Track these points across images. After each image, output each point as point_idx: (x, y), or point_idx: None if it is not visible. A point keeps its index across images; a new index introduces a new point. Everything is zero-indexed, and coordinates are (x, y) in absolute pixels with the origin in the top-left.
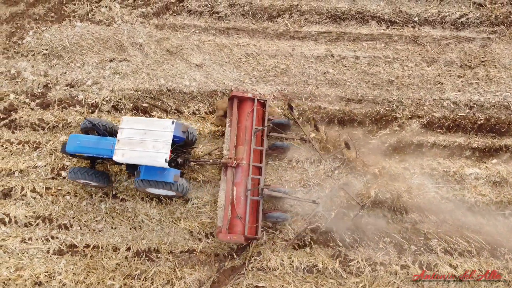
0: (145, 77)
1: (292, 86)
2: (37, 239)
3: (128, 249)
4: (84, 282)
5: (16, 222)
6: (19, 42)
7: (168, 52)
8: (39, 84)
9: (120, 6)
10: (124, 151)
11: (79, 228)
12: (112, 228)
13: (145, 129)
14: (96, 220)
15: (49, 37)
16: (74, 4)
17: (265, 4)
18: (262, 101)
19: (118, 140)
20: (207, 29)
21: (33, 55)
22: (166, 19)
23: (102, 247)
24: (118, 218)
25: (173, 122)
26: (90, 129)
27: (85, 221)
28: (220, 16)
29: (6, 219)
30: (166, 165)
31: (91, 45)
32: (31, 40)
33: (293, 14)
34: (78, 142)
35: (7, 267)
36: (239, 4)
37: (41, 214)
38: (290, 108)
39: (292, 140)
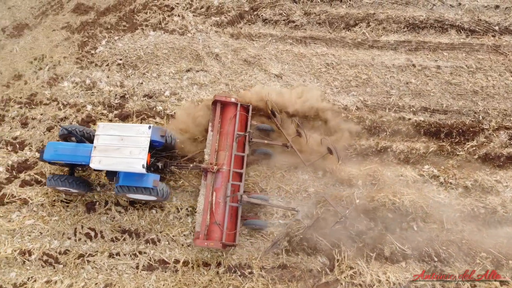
0: (224, 88)
1: (375, 96)
2: (125, 254)
3: (219, 264)
4: None
5: (102, 237)
6: (92, 51)
7: (245, 62)
8: (115, 95)
9: (193, 15)
10: (101, 158)
11: (167, 243)
12: None
13: (121, 135)
14: (184, 235)
15: (123, 46)
16: (146, 13)
17: (341, 13)
18: (246, 106)
19: (95, 147)
20: (284, 38)
21: (107, 65)
22: (241, 28)
23: (192, 263)
24: None
25: (149, 127)
26: (68, 136)
27: (173, 236)
28: (296, 25)
29: (92, 234)
30: (143, 171)
31: (166, 54)
32: (104, 49)
33: (370, 23)
34: (55, 150)
35: (96, 283)
36: (315, 13)
37: (127, 229)
38: (273, 113)
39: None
